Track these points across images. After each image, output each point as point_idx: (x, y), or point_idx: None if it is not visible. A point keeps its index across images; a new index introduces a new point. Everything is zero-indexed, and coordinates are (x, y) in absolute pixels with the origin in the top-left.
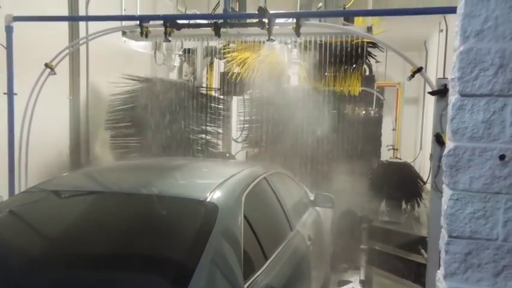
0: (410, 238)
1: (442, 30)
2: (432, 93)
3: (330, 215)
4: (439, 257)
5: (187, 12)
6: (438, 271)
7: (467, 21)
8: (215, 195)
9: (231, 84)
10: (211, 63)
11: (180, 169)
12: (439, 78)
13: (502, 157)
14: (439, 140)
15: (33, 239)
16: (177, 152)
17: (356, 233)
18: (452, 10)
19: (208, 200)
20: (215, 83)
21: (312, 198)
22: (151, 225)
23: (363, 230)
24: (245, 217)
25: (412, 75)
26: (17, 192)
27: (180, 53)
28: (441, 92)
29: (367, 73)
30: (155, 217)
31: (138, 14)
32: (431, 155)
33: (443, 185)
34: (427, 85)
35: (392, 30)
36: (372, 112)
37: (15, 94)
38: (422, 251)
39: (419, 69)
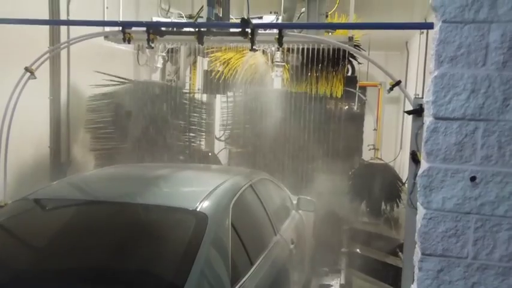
0: (389, 241)
1: (422, 32)
2: (408, 112)
3: (312, 216)
4: (413, 272)
5: (171, 10)
6: (412, 285)
7: (442, 47)
8: (204, 205)
9: (214, 83)
10: (195, 62)
11: (170, 178)
12: (415, 97)
13: (472, 179)
14: (414, 158)
15: (23, 250)
16: (159, 152)
17: (337, 235)
18: (429, 26)
19: (198, 209)
20: (198, 81)
21: (294, 202)
22: (143, 236)
23: (343, 232)
24: (232, 225)
25: (391, 88)
26: None
27: (164, 54)
28: (417, 112)
29: (350, 73)
30: (147, 227)
31: (121, 12)
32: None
33: (418, 203)
34: (407, 87)
35: (375, 31)
36: (354, 112)
37: None
38: (400, 253)
39: (398, 83)
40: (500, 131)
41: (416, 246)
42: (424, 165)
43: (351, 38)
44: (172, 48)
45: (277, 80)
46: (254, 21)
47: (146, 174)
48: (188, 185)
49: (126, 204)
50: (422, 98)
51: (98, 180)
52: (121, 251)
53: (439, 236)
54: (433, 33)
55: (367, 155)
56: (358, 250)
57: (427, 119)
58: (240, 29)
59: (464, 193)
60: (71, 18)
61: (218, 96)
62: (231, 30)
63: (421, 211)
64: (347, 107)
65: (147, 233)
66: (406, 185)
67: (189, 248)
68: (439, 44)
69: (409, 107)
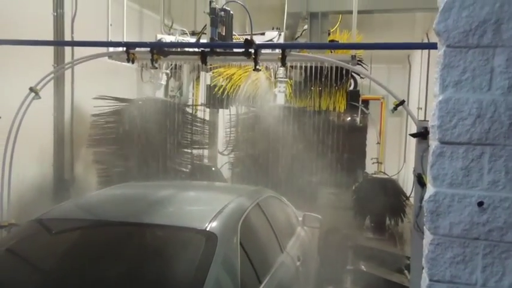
0: (394, 258)
1: None
2: (413, 135)
3: (317, 232)
4: None
5: (174, 26)
6: None
7: (446, 72)
8: (214, 225)
9: (217, 97)
10: (198, 78)
11: (179, 197)
12: (420, 120)
13: (480, 204)
14: (420, 181)
15: (39, 270)
16: (162, 167)
17: (342, 252)
18: (433, 46)
19: (208, 229)
20: (201, 96)
21: (300, 218)
22: (156, 255)
23: (348, 249)
24: (241, 244)
25: (395, 108)
26: None
27: (167, 71)
28: (422, 135)
29: (352, 87)
30: (159, 247)
31: (125, 29)
32: (414, 170)
33: (425, 228)
34: (410, 100)
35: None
36: (357, 125)
37: None
38: (406, 272)
39: (401, 102)
40: (507, 155)
41: (424, 271)
42: (430, 189)
43: (353, 57)
44: (175, 65)
45: (280, 96)
46: (256, 37)
47: (157, 194)
48: (197, 205)
49: (139, 224)
50: (426, 120)
51: (110, 200)
52: (135, 270)
53: (447, 262)
54: (437, 57)
55: (370, 168)
56: (363, 267)
57: (433, 143)
58: (243, 49)
59: (472, 218)
60: (76, 35)
61: (221, 110)
62: (235, 50)
63: (428, 236)
64: (350, 120)
65: (160, 252)
66: (410, 199)
67: (199, 267)
68: (444, 69)
69: (412, 121)
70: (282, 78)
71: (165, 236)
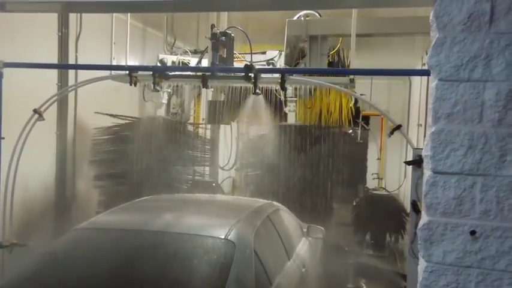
0: (395, 278)
1: (424, 64)
2: (408, 163)
3: (320, 243)
4: None
5: (177, 45)
6: None
7: (439, 104)
8: (232, 234)
9: (218, 113)
10: (199, 94)
11: (199, 209)
12: (415, 148)
13: (472, 233)
14: (415, 207)
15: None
16: (164, 183)
17: (343, 269)
18: (429, 73)
19: (228, 238)
20: (202, 112)
21: (304, 229)
22: (186, 259)
23: (349, 266)
24: (255, 251)
25: (392, 133)
26: None
27: (169, 90)
28: (416, 162)
29: (353, 103)
30: (187, 252)
31: (128, 47)
32: None
33: (419, 255)
34: (410, 116)
35: (378, 62)
36: (358, 141)
37: (3, 138)
38: None
39: (398, 127)
40: (498, 186)
41: None
42: (424, 218)
43: (352, 80)
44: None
45: (290, 115)
46: (257, 56)
47: (182, 207)
48: (217, 217)
49: (172, 233)
50: (421, 148)
51: (142, 212)
52: (170, 270)
53: None
54: (430, 89)
55: (371, 184)
56: (363, 285)
57: (426, 172)
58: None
59: (465, 247)
60: (80, 54)
61: (222, 126)
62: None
63: (422, 263)
64: (351, 136)
65: (190, 256)
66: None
67: (222, 270)
68: (436, 101)
69: (411, 136)
70: (291, 97)
71: (192, 243)
